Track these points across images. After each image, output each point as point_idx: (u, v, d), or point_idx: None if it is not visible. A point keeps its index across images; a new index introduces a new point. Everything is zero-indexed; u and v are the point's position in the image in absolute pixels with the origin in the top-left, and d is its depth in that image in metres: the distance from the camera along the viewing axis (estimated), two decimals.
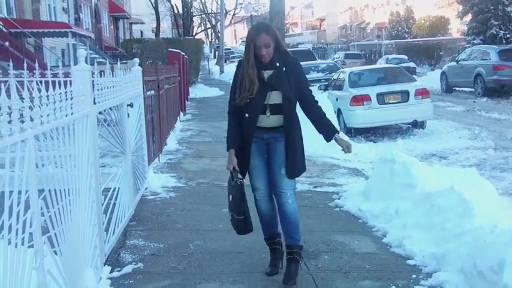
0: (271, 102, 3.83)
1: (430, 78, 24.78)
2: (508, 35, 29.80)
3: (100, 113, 4.31)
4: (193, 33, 47.53)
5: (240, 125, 3.91)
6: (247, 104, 3.82)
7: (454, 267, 3.96)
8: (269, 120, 3.86)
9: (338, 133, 4.04)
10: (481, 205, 4.53)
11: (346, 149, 3.98)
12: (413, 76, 16.02)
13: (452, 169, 6.41)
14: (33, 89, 2.66)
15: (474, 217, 4.38)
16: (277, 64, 3.83)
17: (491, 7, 30.20)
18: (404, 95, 11.88)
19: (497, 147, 9.99)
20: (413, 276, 4.12)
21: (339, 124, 11.57)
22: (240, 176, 3.89)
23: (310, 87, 4.14)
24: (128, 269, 4.16)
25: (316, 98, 4.07)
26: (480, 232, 3.98)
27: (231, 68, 37.64)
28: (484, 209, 4.47)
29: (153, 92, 7.81)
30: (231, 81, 4.03)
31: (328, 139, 4.03)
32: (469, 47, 26.04)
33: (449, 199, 4.75)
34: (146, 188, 6.52)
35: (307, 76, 4.36)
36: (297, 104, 3.95)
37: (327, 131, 4.01)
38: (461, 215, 4.50)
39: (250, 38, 3.79)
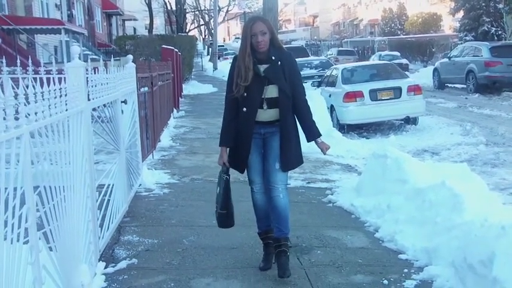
0: (268, 96, 3.89)
1: (422, 75, 24.88)
2: (499, 32, 29.97)
3: (94, 109, 4.33)
4: (187, 30, 47.43)
5: (235, 122, 3.96)
6: (244, 98, 3.88)
7: (445, 261, 4.01)
8: (266, 114, 3.92)
9: (320, 136, 4.08)
10: (471, 200, 4.58)
11: (326, 150, 4.08)
12: (406, 73, 16.12)
13: (444, 164, 6.47)
14: (27, 86, 2.68)
15: (465, 212, 4.43)
16: (273, 58, 3.89)
17: (483, 4, 30.37)
18: (397, 92, 11.94)
19: (489, 143, 10.06)
20: (405, 270, 4.18)
21: (332, 120, 11.61)
22: (226, 172, 4.02)
23: (304, 84, 4.18)
24: (122, 264, 4.18)
25: (306, 97, 4.11)
26: (470, 226, 4.03)
27: (224, 65, 37.58)
28: (474, 204, 4.52)
29: (146, 88, 7.82)
30: (224, 78, 4.09)
31: (308, 140, 4.13)
32: (461, 43, 26.16)
33: (441, 194, 4.80)
34: (140, 185, 6.54)
35: (301, 72, 4.40)
36: None
37: (310, 132, 4.07)
38: (452, 210, 4.55)
39: (247, 26, 3.89)
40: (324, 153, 4.15)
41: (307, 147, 4.38)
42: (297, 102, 4.00)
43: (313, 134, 4.07)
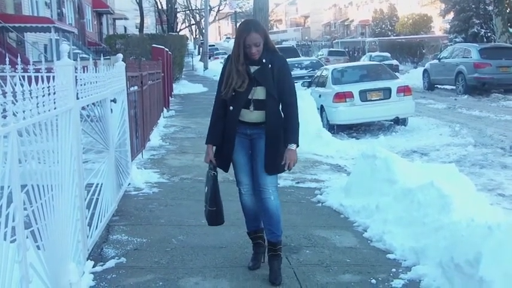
0: (256, 98, 3.87)
1: (412, 76, 24.98)
2: (488, 34, 30.19)
3: (83, 108, 4.31)
4: (178, 30, 47.36)
5: (222, 121, 3.95)
6: (232, 97, 3.86)
7: (433, 261, 4.04)
8: (252, 115, 3.89)
9: (295, 143, 3.87)
10: (459, 200, 4.61)
11: (290, 162, 3.81)
12: (396, 73, 16.18)
13: (432, 165, 6.50)
14: (15, 84, 2.67)
15: (452, 212, 4.46)
16: (264, 60, 3.86)
17: (473, 6, 30.59)
18: (387, 92, 11.98)
19: (477, 144, 10.12)
20: (393, 270, 4.20)
21: (322, 120, 11.63)
22: (213, 169, 3.97)
23: (295, 83, 4.10)
24: (110, 263, 4.18)
25: (292, 101, 3.93)
26: (458, 226, 4.06)
27: (215, 65, 37.59)
28: (462, 204, 4.56)
29: (136, 87, 7.80)
30: (214, 78, 4.08)
31: (284, 144, 3.88)
32: (451, 45, 26.31)
33: (429, 194, 4.83)
34: (129, 184, 6.52)
35: (291, 73, 4.31)
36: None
37: (287, 137, 3.86)
38: (440, 210, 4.58)
39: (240, 35, 3.80)
40: (286, 167, 3.85)
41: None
42: (283, 105, 3.93)
43: (289, 139, 3.86)
